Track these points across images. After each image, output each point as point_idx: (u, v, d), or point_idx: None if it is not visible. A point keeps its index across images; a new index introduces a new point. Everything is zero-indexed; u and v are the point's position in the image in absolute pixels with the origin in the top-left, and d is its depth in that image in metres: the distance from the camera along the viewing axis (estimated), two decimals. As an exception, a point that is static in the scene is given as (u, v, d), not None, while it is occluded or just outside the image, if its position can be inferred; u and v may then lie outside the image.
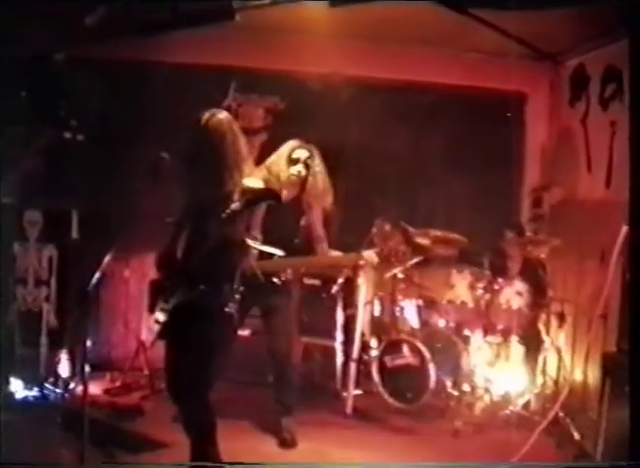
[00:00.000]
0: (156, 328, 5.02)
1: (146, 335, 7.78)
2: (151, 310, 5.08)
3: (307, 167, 6.33)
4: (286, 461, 6.08)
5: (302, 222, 6.40)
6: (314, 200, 6.42)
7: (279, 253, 5.94)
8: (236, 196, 4.75)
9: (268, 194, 5.12)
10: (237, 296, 4.96)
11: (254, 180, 5.01)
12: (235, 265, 4.97)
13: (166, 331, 4.98)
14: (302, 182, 6.35)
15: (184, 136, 4.98)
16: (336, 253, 6.60)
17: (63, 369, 6.99)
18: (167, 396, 5.19)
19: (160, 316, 4.93)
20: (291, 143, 6.39)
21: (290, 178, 6.26)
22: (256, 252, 5.85)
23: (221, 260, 4.85)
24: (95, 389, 7.14)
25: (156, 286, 5.11)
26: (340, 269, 7.21)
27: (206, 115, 4.93)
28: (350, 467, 5.18)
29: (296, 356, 6.65)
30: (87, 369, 5.28)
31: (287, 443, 6.38)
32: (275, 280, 6.22)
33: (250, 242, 5.18)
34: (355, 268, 6.73)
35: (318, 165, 6.39)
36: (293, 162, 6.30)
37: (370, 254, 6.43)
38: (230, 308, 4.91)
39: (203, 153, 4.88)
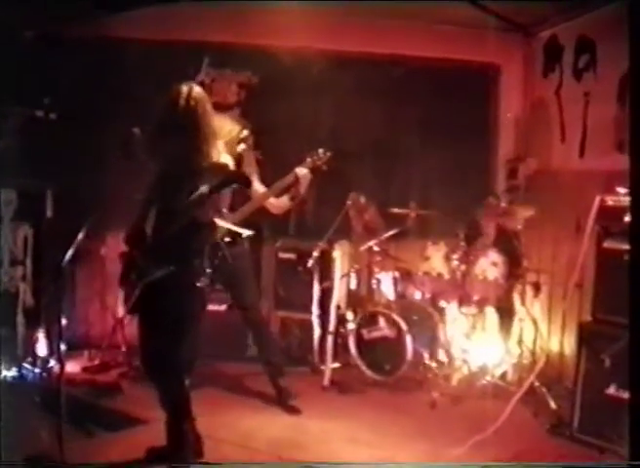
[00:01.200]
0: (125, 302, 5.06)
1: (123, 313, 7.79)
2: (122, 283, 5.10)
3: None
4: (295, 429, 6.15)
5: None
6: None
7: (247, 232, 5.91)
8: (206, 173, 4.73)
9: (238, 178, 5.11)
10: (208, 271, 4.96)
11: (224, 157, 5.01)
12: (204, 242, 4.98)
13: (137, 306, 4.99)
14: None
15: (158, 108, 4.95)
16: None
17: (41, 348, 6.97)
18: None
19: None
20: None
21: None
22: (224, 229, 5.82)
23: (191, 238, 4.87)
24: (73, 367, 7.14)
25: (127, 259, 5.11)
26: (313, 247, 7.19)
27: (182, 88, 4.92)
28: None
29: (270, 321, 6.70)
30: (63, 347, 5.27)
31: (290, 398, 6.57)
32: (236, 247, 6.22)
33: (218, 222, 5.16)
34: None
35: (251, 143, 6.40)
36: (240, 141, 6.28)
37: (301, 170, 6.37)
38: (201, 282, 4.92)
39: (176, 125, 4.85)
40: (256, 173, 6.43)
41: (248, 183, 5.07)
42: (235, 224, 5.90)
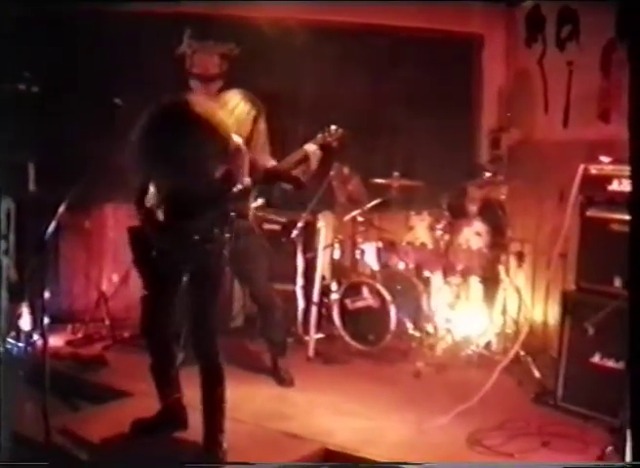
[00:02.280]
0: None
1: (107, 286, 7.79)
2: (135, 260, 5.08)
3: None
4: (280, 400, 6.18)
5: None
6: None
7: (282, 219, 5.89)
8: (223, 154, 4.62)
9: (291, 180, 5.02)
10: (227, 237, 4.92)
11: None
12: (228, 212, 4.91)
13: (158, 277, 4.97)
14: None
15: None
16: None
17: (25, 322, 6.94)
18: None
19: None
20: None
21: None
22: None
23: (217, 211, 4.82)
24: (57, 341, 7.12)
25: (138, 234, 5.04)
26: (297, 218, 7.17)
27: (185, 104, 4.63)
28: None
29: (277, 297, 6.70)
30: (46, 320, 5.27)
31: (286, 382, 6.52)
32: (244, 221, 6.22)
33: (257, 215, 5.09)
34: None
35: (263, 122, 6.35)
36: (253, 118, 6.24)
37: (310, 147, 6.35)
38: (225, 251, 4.90)
39: (192, 139, 4.55)
40: (267, 149, 6.40)
41: (302, 185, 4.99)
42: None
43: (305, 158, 6.27)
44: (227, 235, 4.89)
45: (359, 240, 7.74)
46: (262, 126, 6.29)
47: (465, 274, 7.19)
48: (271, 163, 6.30)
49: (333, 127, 6.37)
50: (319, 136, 6.34)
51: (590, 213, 5.79)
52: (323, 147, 6.33)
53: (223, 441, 4.95)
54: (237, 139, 4.92)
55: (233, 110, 6.03)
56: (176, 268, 4.91)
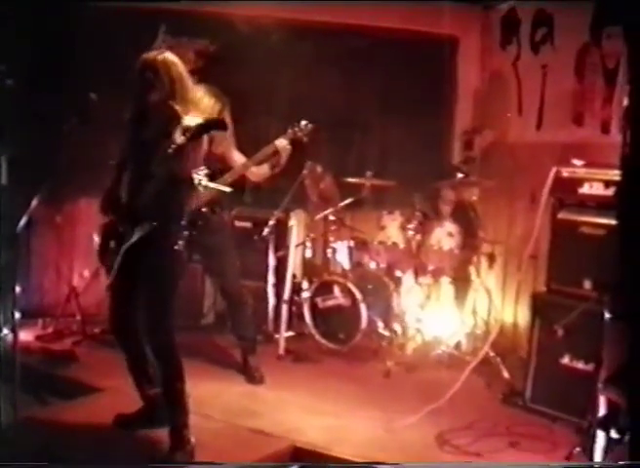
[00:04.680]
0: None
1: (78, 281, 7.75)
2: (101, 254, 5.04)
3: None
4: (250, 398, 6.17)
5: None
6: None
7: (226, 189, 5.90)
8: (179, 132, 4.67)
9: (214, 123, 5.03)
10: (186, 233, 4.94)
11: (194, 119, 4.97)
12: (184, 203, 4.94)
13: (118, 274, 4.94)
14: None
15: (130, 72, 4.90)
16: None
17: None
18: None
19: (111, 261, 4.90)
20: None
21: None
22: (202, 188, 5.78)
23: (170, 198, 4.82)
24: (27, 336, 7.07)
25: (105, 229, 5.04)
26: (269, 216, 7.18)
27: (158, 51, 4.92)
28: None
29: (247, 293, 6.73)
30: (17, 315, 5.24)
31: (256, 380, 6.50)
32: (216, 218, 6.23)
33: (197, 177, 5.11)
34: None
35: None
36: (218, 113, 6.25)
37: (281, 142, 6.38)
38: (179, 246, 4.89)
39: (149, 88, 4.82)
40: (233, 142, 6.41)
41: (224, 127, 4.99)
42: (215, 196, 6.00)
43: (276, 153, 6.30)
44: (186, 232, 4.91)
45: (331, 239, 7.74)
46: (227, 120, 6.30)
47: (436, 274, 7.21)
48: (238, 156, 6.35)
49: (303, 122, 6.40)
50: (289, 131, 6.38)
51: (561, 215, 5.83)
52: (293, 142, 6.36)
53: (190, 436, 4.94)
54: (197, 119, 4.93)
55: (198, 104, 6.04)
56: (136, 263, 4.90)
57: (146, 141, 4.83)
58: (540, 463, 5.12)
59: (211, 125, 4.77)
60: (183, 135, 4.56)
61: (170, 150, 4.57)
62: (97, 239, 5.16)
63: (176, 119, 4.70)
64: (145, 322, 4.97)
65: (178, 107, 4.79)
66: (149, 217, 4.75)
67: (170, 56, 4.94)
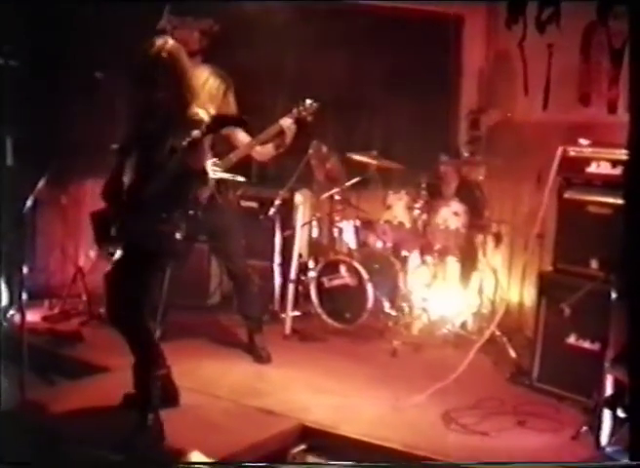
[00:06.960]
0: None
1: (84, 262, 7.75)
2: (98, 242, 5.02)
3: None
4: (256, 377, 6.20)
5: None
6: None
7: (240, 178, 5.91)
8: (189, 122, 4.64)
9: (234, 120, 5.01)
10: (191, 213, 4.93)
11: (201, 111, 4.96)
12: (190, 193, 4.93)
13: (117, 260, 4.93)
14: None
15: (134, 60, 4.88)
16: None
17: (2, 297, 6.92)
18: (105, 321, 5.18)
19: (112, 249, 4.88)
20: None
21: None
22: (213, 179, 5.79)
23: (179, 190, 4.79)
24: (34, 317, 7.08)
25: (99, 217, 4.99)
26: (275, 195, 7.18)
27: (159, 41, 4.86)
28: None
29: (253, 273, 6.74)
30: (24, 296, 5.25)
31: (263, 359, 6.51)
32: (221, 198, 6.23)
33: (211, 169, 5.09)
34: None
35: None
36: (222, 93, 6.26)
37: (285, 121, 6.36)
38: (180, 234, 4.88)
39: (152, 77, 4.77)
40: None
41: (244, 123, 4.97)
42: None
43: (281, 132, 6.29)
44: (191, 212, 4.91)
45: (337, 218, 7.73)
46: (232, 99, 6.33)
47: (443, 254, 7.21)
48: (243, 136, 6.33)
49: (308, 101, 6.37)
50: (294, 110, 6.34)
51: (568, 195, 5.82)
52: (298, 121, 6.34)
53: (155, 421, 4.95)
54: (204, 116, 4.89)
55: (203, 85, 6.04)
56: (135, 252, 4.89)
57: (153, 132, 4.79)
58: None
59: (228, 121, 4.75)
60: (200, 129, 4.54)
61: (184, 143, 4.55)
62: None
63: (186, 112, 4.69)
64: (122, 305, 4.99)
65: (186, 97, 4.77)
66: (157, 208, 4.74)
67: (173, 48, 4.84)
